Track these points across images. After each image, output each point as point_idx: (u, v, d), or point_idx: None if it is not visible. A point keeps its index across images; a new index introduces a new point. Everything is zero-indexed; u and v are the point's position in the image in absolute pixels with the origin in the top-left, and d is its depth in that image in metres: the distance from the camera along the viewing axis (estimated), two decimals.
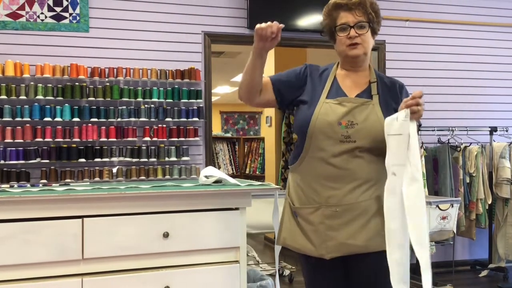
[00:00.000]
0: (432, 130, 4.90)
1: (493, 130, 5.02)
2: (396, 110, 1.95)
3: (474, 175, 4.90)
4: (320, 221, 1.97)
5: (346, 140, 1.94)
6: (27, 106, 4.07)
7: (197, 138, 4.51)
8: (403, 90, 2.10)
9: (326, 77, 2.10)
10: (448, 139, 4.95)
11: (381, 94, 2.04)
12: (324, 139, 1.96)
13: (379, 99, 2.02)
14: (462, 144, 4.95)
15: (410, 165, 1.79)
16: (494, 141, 5.06)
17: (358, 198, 1.94)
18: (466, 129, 5.00)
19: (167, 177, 4.40)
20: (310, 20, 4.76)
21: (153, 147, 4.41)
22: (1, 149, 4.04)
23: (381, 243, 1.89)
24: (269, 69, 6.75)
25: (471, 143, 5.03)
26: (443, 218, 4.12)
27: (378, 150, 1.94)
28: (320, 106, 2.00)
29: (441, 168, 4.88)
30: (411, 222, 1.76)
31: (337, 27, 2.02)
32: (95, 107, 4.23)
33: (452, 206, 4.18)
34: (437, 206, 4.11)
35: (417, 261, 1.77)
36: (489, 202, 4.93)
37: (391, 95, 2.06)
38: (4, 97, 4.01)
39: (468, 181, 4.91)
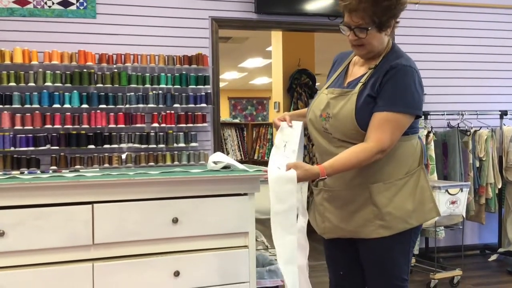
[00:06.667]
0: (442, 114, 4.86)
1: (503, 114, 4.97)
2: (371, 96, 1.89)
3: (484, 159, 4.87)
4: (321, 203, 2.08)
5: (326, 132, 1.99)
6: (36, 93, 4.08)
7: (205, 124, 4.51)
8: (388, 72, 1.90)
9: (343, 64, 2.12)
10: (458, 123, 4.91)
11: (368, 81, 1.93)
12: (313, 130, 2.05)
13: (361, 87, 1.93)
14: (472, 128, 4.91)
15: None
16: (504, 125, 5.01)
17: (342, 185, 1.98)
18: (476, 113, 4.95)
19: (176, 163, 4.41)
20: (318, 4, 4.70)
21: (161, 133, 4.41)
22: (11, 136, 4.06)
23: (373, 231, 1.94)
24: (277, 54, 6.72)
25: (481, 127, 4.99)
26: (453, 202, 4.11)
27: (355, 141, 1.90)
28: (316, 98, 2.08)
29: (451, 153, 4.85)
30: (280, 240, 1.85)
31: (341, 25, 1.96)
32: (103, 93, 4.24)
33: (462, 191, 4.17)
34: (447, 190, 4.09)
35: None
36: (499, 187, 4.90)
37: (375, 80, 1.91)
38: (13, 84, 4.02)
39: (477, 165, 4.88)
